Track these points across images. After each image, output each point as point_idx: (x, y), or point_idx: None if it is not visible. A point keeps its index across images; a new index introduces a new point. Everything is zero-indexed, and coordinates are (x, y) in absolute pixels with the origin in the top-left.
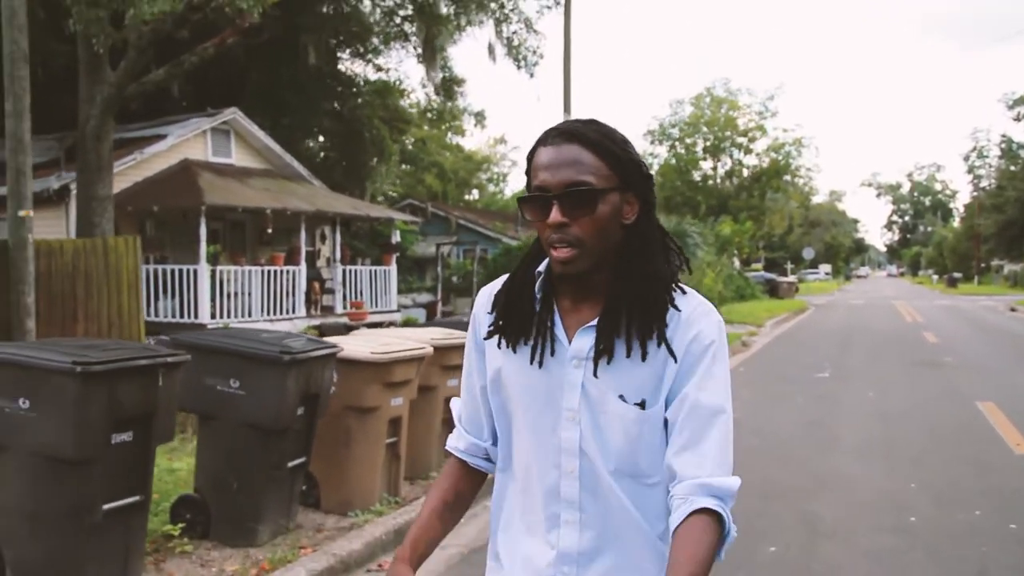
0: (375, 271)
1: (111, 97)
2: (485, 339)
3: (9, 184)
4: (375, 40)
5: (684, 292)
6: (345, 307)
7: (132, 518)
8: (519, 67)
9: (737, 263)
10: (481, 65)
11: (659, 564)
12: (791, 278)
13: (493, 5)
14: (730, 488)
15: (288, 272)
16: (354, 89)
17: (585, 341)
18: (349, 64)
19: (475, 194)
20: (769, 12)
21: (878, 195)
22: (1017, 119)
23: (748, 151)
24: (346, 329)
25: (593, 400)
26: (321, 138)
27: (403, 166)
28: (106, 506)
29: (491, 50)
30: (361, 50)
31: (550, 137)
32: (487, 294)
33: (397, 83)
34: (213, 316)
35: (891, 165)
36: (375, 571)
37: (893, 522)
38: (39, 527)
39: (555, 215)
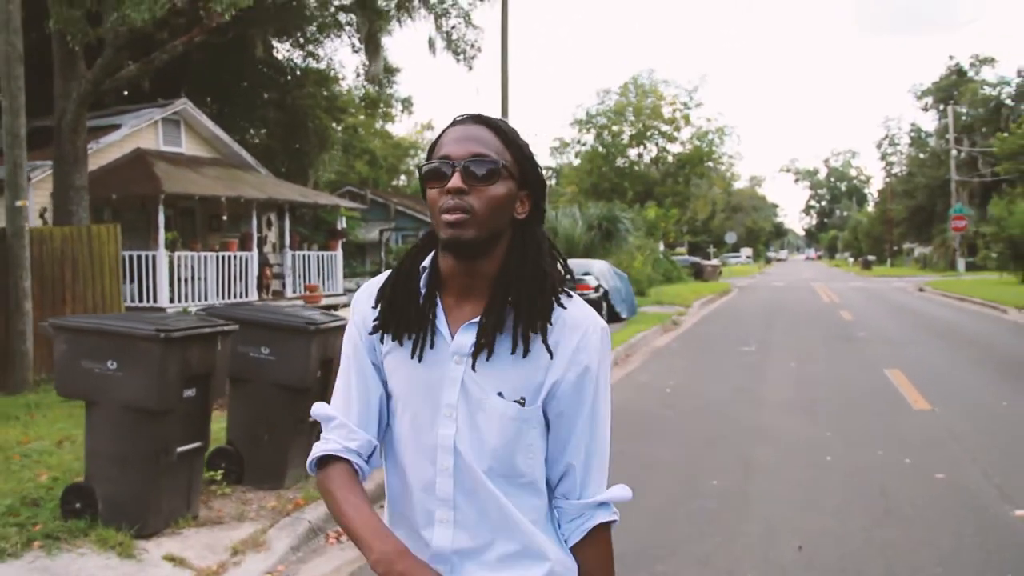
0: (323, 256)
1: (87, 92)
2: (370, 334)
3: (7, 176)
4: (312, 29)
5: (570, 296)
6: (295, 291)
7: (195, 460)
8: (458, 60)
9: (662, 247)
10: (415, 52)
11: (553, 547)
12: (715, 261)
13: (433, 0)
14: (624, 499)
15: (241, 258)
16: (291, 79)
17: (467, 337)
18: (287, 54)
19: (402, 180)
20: (695, 4)
21: (796, 180)
22: (925, 109)
23: (673, 139)
24: None
25: (472, 397)
26: (263, 128)
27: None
28: (178, 449)
29: (431, 44)
30: (301, 40)
31: (460, 119)
32: (368, 290)
33: (331, 72)
34: (172, 300)
35: (809, 151)
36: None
37: (813, 460)
38: (126, 468)
39: (455, 180)
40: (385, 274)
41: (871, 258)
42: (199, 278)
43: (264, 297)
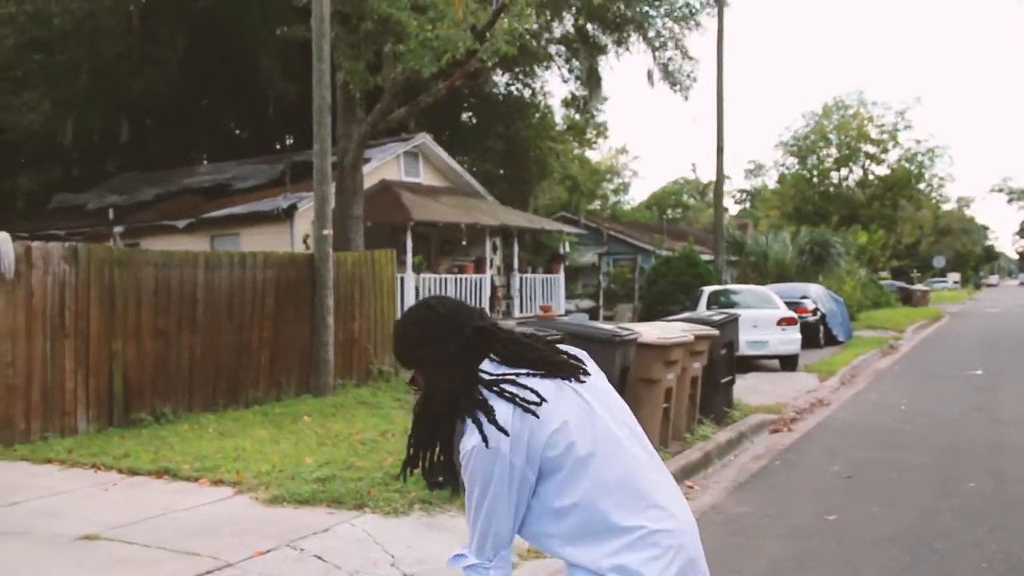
0: (546, 279)
1: (366, 134)
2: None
3: (316, 208)
4: (532, 64)
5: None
6: (522, 311)
7: None
8: (674, 90)
9: (863, 272)
10: (622, 79)
11: None
12: (923, 286)
13: (652, 34)
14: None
15: (475, 279)
16: (515, 111)
17: None
18: (505, 88)
19: (596, 204)
20: (906, 22)
21: (1009, 200)
22: None
23: (880, 161)
24: None
25: None
26: (488, 157)
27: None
28: None
29: (650, 76)
30: (519, 73)
31: None
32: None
33: (540, 101)
34: None
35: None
36: None
37: None
38: None
39: None
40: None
41: None
42: None
43: (495, 316)
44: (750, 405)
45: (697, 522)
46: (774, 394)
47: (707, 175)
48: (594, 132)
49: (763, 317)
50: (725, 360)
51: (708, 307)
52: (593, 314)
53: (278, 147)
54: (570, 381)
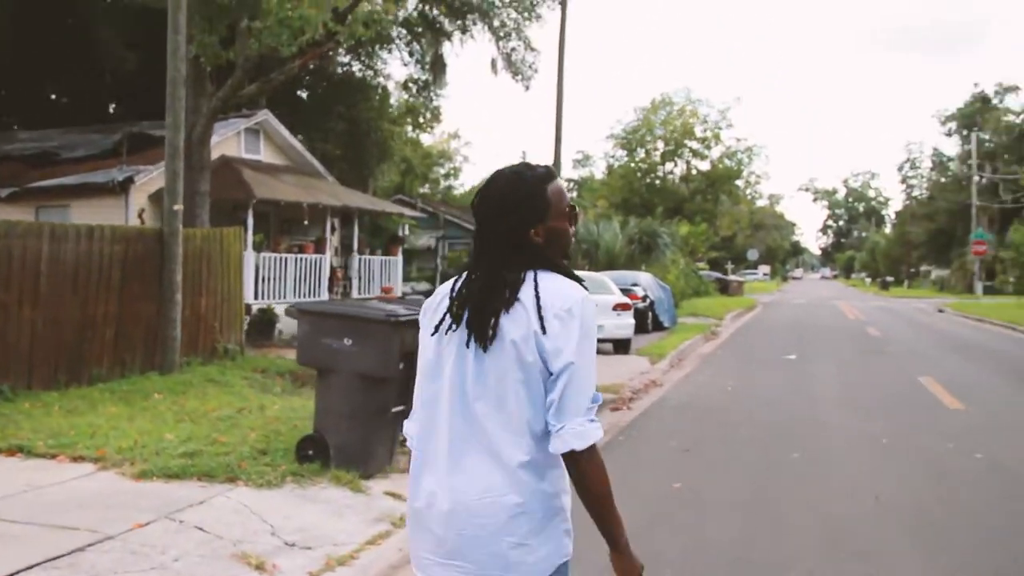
0: (385, 260)
1: (216, 109)
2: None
3: (167, 184)
4: (374, 46)
5: None
6: (360, 292)
7: (399, 419)
8: (517, 80)
9: (682, 262)
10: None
11: None
12: (739, 277)
13: (496, 23)
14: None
15: (315, 260)
16: (358, 92)
17: None
18: (346, 68)
19: (426, 188)
20: (732, 25)
21: (814, 200)
22: (948, 134)
23: (704, 157)
24: None
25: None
26: (328, 137)
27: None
28: (393, 409)
29: (493, 64)
30: (360, 55)
31: (556, 172)
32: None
33: (386, 87)
34: (256, 297)
35: (828, 171)
36: None
37: (871, 443)
38: (354, 422)
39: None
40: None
41: (889, 279)
42: (278, 278)
43: (334, 297)
44: None
45: None
46: (610, 376)
47: (537, 163)
48: (429, 116)
49: (600, 303)
50: None
51: None
52: (429, 296)
53: (111, 116)
54: None
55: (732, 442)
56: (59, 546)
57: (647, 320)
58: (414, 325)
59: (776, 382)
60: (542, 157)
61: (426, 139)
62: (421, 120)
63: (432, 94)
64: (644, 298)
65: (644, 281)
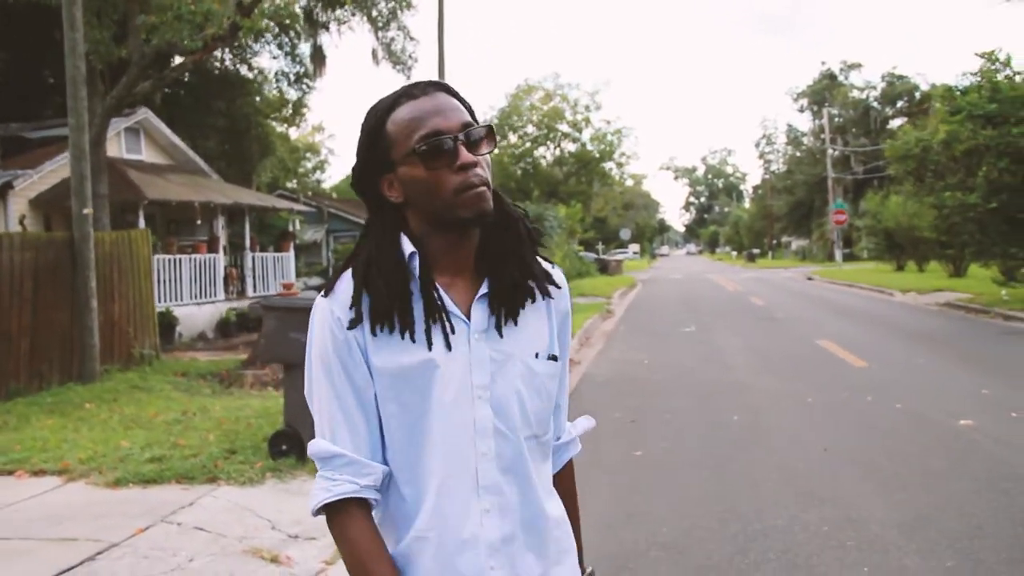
0: (277, 257)
1: (111, 107)
2: (349, 328)
3: (74, 187)
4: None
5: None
6: (255, 290)
7: None
8: (397, 70)
9: (566, 245)
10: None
11: (560, 513)
12: (618, 256)
13: (374, 13)
14: (590, 428)
15: (210, 260)
16: (237, 87)
17: (482, 311)
18: (221, 62)
19: (294, 182)
20: (603, 11)
21: (675, 178)
22: (800, 111)
23: (575, 140)
24: None
25: (506, 369)
26: (209, 134)
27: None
28: None
29: (374, 55)
30: (237, 47)
31: (422, 89)
32: (337, 299)
33: (267, 81)
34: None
35: (687, 150)
36: None
37: (799, 402)
38: None
39: (466, 155)
40: (346, 279)
41: (755, 251)
42: (174, 279)
43: (231, 296)
44: None
45: None
46: None
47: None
48: (291, 111)
49: None
50: None
51: None
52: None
53: None
54: None
55: (671, 410)
56: (67, 558)
57: None
58: None
59: (687, 353)
60: None
61: (292, 133)
62: (288, 114)
63: (305, 87)
64: None
65: None
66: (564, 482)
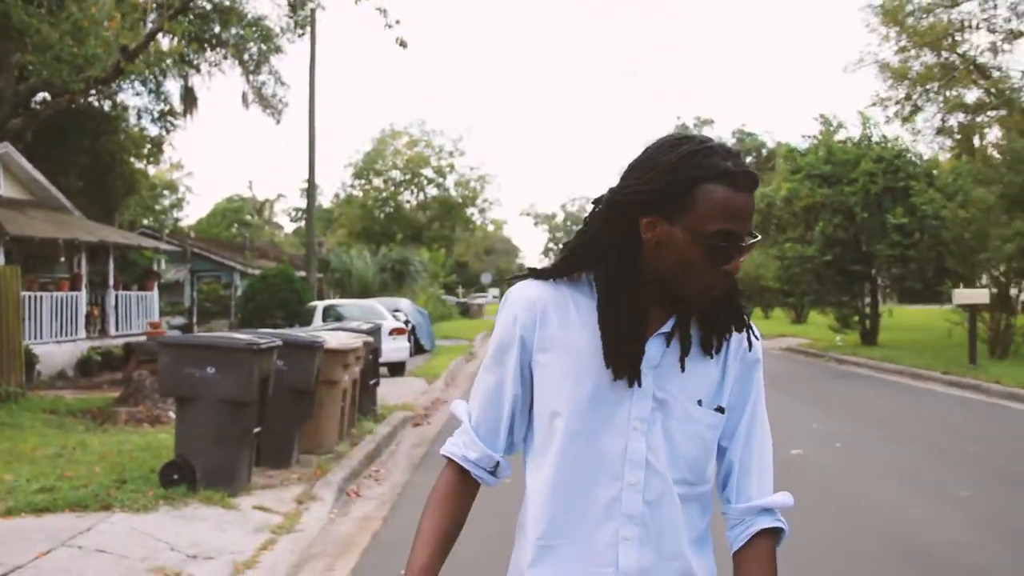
0: (141, 296)
1: None
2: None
3: None
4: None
5: None
6: (118, 329)
7: (253, 440)
8: (267, 113)
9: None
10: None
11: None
12: (479, 300)
13: (246, 57)
14: (786, 506)
15: (72, 297)
16: (101, 124)
17: (656, 348)
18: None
19: (149, 220)
20: (468, 59)
21: (535, 224)
22: None
23: (439, 185)
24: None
25: (668, 408)
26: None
27: None
28: (255, 430)
29: (244, 98)
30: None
31: (744, 183)
32: (530, 297)
33: (133, 120)
34: None
35: (547, 196)
36: (369, 477)
37: None
38: (220, 445)
39: (735, 264)
40: (534, 284)
41: None
42: (34, 316)
43: (91, 335)
44: (389, 405)
45: (405, 493)
46: (397, 396)
47: (264, 193)
48: (156, 145)
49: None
50: (373, 365)
51: (323, 320)
52: (187, 330)
53: None
54: None
55: None
56: None
57: (410, 344)
58: (271, 352)
59: None
60: (293, 188)
61: (151, 170)
62: (148, 150)
63: (168, 124)
64: (406, 323)
65: (405, 307)
66: (741, 561)
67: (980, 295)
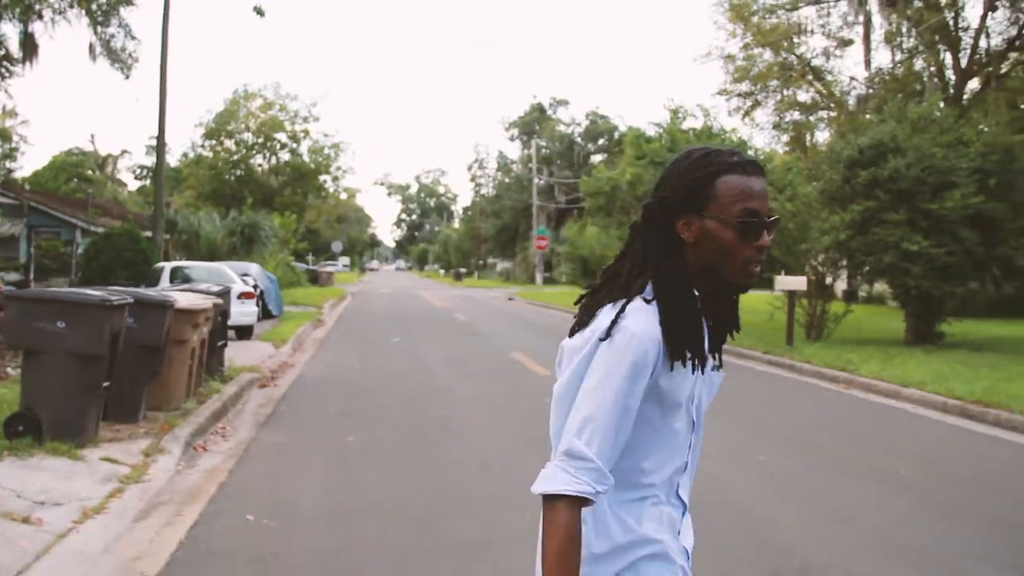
0: None
1: None
2: (671, 369)
3: None
4: None
5: None
6: None
7: (103, 394)
8: (115, 67)
9: (280, 254)
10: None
11: None
12: (329, 268)
13: (94, 6)
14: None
15: None
16: None
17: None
18: None
19: None
20: (325, 23)
21: (389, 194)
22: (512, 139)
23: (293, 151)
24: None
25: (704, 400)
26: None
27: None
28: (104, 384)
29: (92, 50)
30: None
31: (751, 168)
32: (649, 332)
33: None
34: None
35: (402, 167)
36: (216, 433)
37: (491, 404)
38: (68, 397)
39: (766, 239)
40: (644, 310)
41: (463, 270)
42: None
43: None
44: (236, 366)
45: (250, 449)
46: (245, 358)
47: (106, 148)
48: None
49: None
50: (221, 326)
51: (171, 282)
52: (23, 287)
53: None
54: None
55: (380, 407)
56: None
57: (258, 308)
58: (122, 309)
59: (395, 360)
60: (139, 145)
61: None
62: None
63: (4, 71)
64: (255, 288)
65: (254, 272)
66: None
67: (799, 282)
